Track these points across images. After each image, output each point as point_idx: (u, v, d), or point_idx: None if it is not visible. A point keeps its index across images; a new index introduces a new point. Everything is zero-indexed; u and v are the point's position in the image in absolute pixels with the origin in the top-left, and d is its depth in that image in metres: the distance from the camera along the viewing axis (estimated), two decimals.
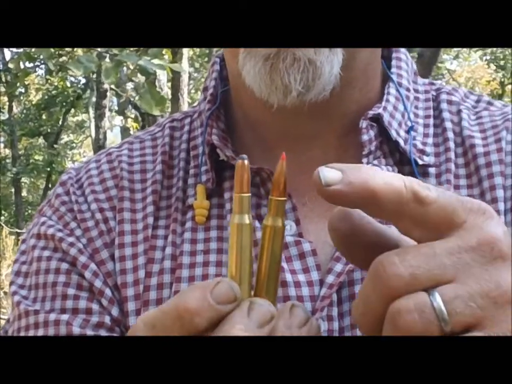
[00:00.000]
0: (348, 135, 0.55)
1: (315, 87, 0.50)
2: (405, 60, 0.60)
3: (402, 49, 0.61)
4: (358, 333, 0.48)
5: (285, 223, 0.33)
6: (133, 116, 9.62)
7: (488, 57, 11.01)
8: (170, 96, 5.81)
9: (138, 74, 3.88)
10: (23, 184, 11.84)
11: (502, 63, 10.43)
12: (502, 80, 10.93)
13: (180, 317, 0.31)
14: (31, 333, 0.54)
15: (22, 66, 4.34)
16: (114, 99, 9.95)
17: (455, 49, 11.24)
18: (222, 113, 0.58)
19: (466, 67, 12.58)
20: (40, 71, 10.18)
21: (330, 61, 0.50)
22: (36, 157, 11.99)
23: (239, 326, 0.31)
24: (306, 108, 0.51)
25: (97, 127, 8.44)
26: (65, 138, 13.46)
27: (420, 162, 0.54)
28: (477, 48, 10.66)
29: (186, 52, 5.38)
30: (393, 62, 0.59)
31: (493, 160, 0.55)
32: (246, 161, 0.32)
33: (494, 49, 10.09)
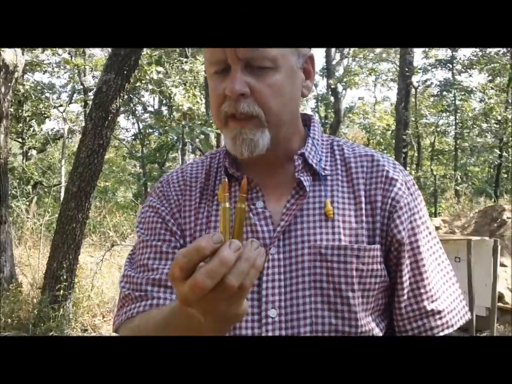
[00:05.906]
0: (286, 163, 1.01)
1: (255, 151, 0.91)
2: (317, 126, 1.06)
3: (316, 119, 1.06)
4: (299, 255, 0.93)
5: (246, 205, 0.67)
6: (198, 153, 14.72)
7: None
8: (215, 143, 9.73)
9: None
10: None
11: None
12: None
13: (197, 250, 0.63)
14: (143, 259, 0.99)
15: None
16: (190, 146, 16.30)
17: None
18: (229, 152, 1.00)
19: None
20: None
21: (262, 138, 0.91)
22: None
23: (226, 251, 0.62)
24: (256, 158, 0.93)
25: (183, 161, 15.04)
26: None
27: (323, 173, 0.99)
28: None
29: None
30: (311, 128, 1.05)
31: (359, 178, 0.99)
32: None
33: None
